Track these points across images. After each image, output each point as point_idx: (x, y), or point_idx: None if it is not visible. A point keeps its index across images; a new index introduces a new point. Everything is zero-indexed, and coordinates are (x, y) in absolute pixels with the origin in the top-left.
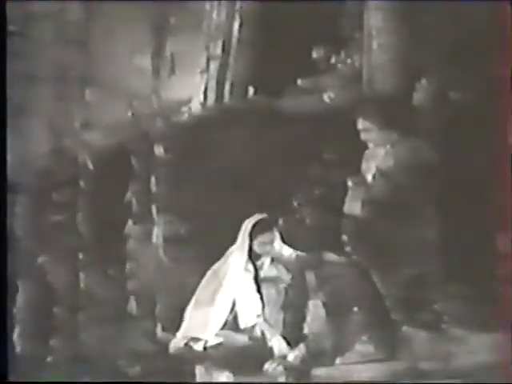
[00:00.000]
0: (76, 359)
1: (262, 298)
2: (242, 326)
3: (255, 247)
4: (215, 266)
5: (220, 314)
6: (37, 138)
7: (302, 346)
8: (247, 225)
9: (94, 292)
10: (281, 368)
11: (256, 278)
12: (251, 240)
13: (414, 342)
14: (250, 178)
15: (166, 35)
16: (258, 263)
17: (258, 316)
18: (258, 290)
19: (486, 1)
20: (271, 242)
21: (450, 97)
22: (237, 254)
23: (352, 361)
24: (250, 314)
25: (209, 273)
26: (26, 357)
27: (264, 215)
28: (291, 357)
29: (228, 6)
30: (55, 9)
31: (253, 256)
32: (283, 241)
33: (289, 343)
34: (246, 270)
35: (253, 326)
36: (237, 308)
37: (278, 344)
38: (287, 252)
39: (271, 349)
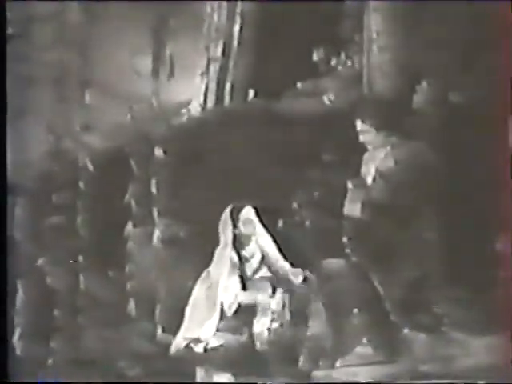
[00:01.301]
0: (76, 361)
1: (243, 287)
2: (228, 313)
3: (241, 228)
4: (209, 267)
5: (214, 311)
6: (37, 140)
7: (278, 292)
8: (224, 215)
9: (94, 294)
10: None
11: (241, 267)
12: (235, 227)
13: (413, 345)
14: (250, 180)
15: (165, 37)
16: (247, 255)
17: (238, 300)
18: (241, 278)
19: (486, 1)
20: (249, 216)
21: (449, 99)
22: (221, 246)
23: (352, 363)
24: (232, 300)
25: (203, 274)
26: (26, 358)
27: (237, 204)
28: (274, 304)
29: (228, 8)
30: (55, 11)
31: (240, 246)
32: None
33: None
34: (230, 258)
35: (237, 311)
36: (221, 297)
37: (260, 298)
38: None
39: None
